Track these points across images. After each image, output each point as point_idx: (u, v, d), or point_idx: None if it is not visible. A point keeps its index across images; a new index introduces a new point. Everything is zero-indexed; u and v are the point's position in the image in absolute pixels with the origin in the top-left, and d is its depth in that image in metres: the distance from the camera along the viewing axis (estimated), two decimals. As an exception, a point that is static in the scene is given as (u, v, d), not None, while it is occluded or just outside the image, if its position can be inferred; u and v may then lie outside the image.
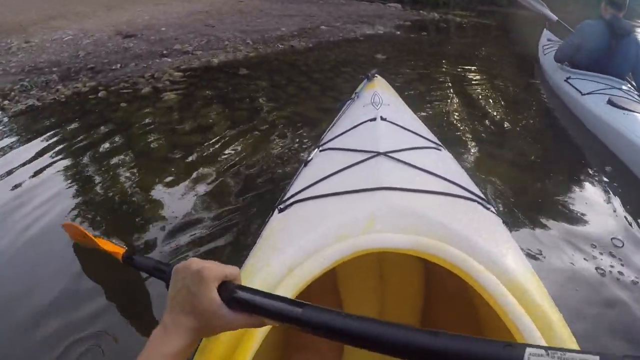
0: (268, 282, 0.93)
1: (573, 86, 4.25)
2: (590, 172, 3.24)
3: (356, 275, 1.62)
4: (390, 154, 1.45)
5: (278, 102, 4.35)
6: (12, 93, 4.81)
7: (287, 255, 0.99)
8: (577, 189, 3.01)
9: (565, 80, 4.46)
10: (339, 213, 1.13)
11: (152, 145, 3.46)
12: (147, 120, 3.92)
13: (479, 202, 1.33)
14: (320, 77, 5.29)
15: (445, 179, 1.37)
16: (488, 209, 1.34)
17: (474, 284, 0.89)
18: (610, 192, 2.89)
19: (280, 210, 1.36)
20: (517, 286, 0.90)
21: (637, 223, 2.55)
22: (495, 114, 4.43)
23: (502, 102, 4.79)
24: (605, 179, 3.06)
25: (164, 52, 6.64)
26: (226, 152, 3.27)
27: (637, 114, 3.43)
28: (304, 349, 1.24)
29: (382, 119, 1.86)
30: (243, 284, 0.79)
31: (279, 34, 7.77)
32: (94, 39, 7.37)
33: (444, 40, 8.28)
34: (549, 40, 6.39)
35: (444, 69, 6.11)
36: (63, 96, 4.74)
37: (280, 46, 6.95)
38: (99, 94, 4.67)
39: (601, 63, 4.33)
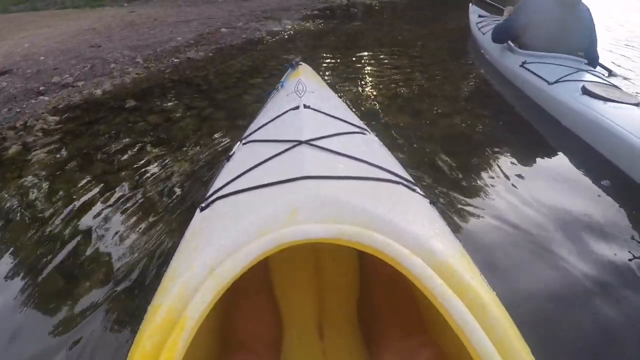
0: (190, 285, 0.87)
1: (534, 73, 3.60)
2: (570, 169, 2.78)
3: (290, 269, 1.58)
4: (312, 142, 1.41)
5: (172, 146, 3.32)
6: None
7: (208, 255, 0.93)
8: (557, 180, 2.65)
9: (521, 66, 3.80)
10: (260, 207, 1.08)
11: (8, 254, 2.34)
12: (7, 205, 2.81)
13: (404, 185, 1.30)
14: (225, 97, 4.28)
15: (369, 163, 1.34)
16: (414, 190, 1.31)
17: (401, 267, 0.86)
18: (583, 175, 2.68)
19: (202, 209, 1.31)
20: (445, 267, 0.88)
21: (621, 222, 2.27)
22: (441, 110, 3.67)
23: (447, 95, 4.05)
24: (589, 176, 2.68)
25: (41, 88, 5.39)
26: (104, 246, 2.26)
27: (619, 103, 2.87)
28: (241, 349, 1.18)
29: (305, 107, 1.81)
30: (167, 287, 0.90)
31: (174, 45, 6.66)
32: (-38, 84, 6.07)
33: (358, 27, 7.48)
34: (480, 16, 5.79)
35: (365, 62, 5.31)
36: None
37: (176, 60, 5.85)
38: (-42, 164, 3.52)
39: (554, 40, 3.73)
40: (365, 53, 5.78)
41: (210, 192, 1.40)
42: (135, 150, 3.31)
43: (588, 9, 3.72)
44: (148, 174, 2.91)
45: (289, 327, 1.45)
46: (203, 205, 1.32)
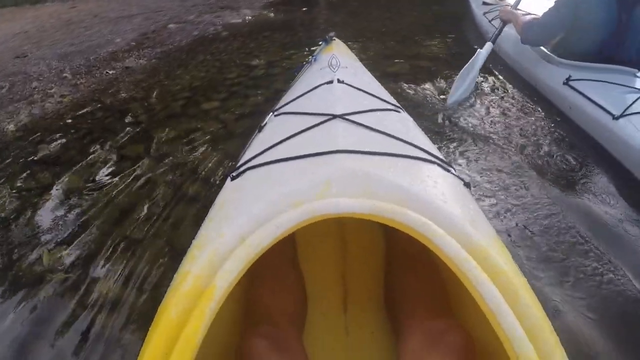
0: (219, 253, 0.83)
1: (588, 97, 2.49)
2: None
3: (316, 241, 1.52)
4: (346, 117, 1.34)
5: (91, 247, 2.04)
6: None
7: (239, 224, 0.89)
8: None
9: (566, 84, 2.65)
10: (292, 178, 1.04)
11: None
12: None
13: (438, 164, 1.21)
14: (168, 137, 2.94)
15: (403, 141, 1.26)
16: (448, 170, 1.22)
17: (434, 248, 0.82)
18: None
19: (233, 178, 1.25)
20: (479, 250, 0.82)
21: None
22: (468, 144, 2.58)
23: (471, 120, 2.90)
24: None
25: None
26: None
27: None
28: (264, 321, 1.14)
29: (339, 81, 1.74)
30: (195, 255, 0.87)
31: (111, 49, 5.29)
32: None
33: (330, 16, 6.22)
34: (485, 3, 4.64)
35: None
36: None
37: (111, 72, 4.53)
38: None
39: (608, 47, 2.62)
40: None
41: (242, 161, 1.32)
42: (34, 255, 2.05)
43: None
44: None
45: (313, 302, 1.36)
46: (234, 174, 1.25)
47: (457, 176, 1.26)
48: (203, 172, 2.48)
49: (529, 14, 3.44)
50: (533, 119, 2.85)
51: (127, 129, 3.15)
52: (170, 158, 2.69)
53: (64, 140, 3.19)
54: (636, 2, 2.55)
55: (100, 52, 5.29)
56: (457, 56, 4.16)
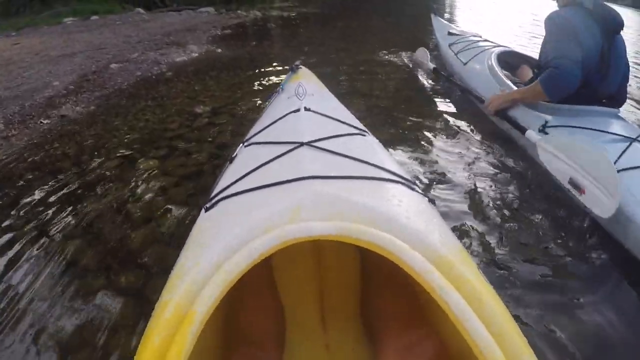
0: (197, 281, 0.85)
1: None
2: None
3: (293, 267, 1.51)
4: (313, 144, 1.39)
5: None
6: None
7: (215, 252, 0.92)
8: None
9: (542, 131, 2.41)
10: (264, 206, 1.06)
11: None
12: None
13: (403, 184, 1.25)
14: (102, 210, 2.56)
15: (369, 164, 1.31)
16: (413, 189, 1.26)
17: (400, 262, 0.84)
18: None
19: (207, 209, 1.28)
20: (444, 262, 0.86)
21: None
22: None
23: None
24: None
25: None
26: None
27: None
28: (246, 343, 1.17)
29: (305, 109, 1.79)
30: (175, 284, 0.88)
31: (49, 94, 4.87)
32: None
33: (282, 51, 6.00)
34: (451, 34, 4.37)
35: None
36: None
37: (45, 122, 4.12)
38: None
39: (592, 80, 2.39)
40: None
41: (214, 192, 1.35)
42: None
43: (624, 41, 2.48)
44: None
45: (293, 323, 1.38)
46: (207, 205, 1.28)
47: (422, 193, 1.29)
48: (139, 259, 2.16)
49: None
50: (501, 176, 2.62)
51: (56, 199, 2.75)
52: (101, 237, 2.35)
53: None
54: (616, 30, 2.40)
55: (37, 98, 4.89)
56: (418, 93, 4.02)
